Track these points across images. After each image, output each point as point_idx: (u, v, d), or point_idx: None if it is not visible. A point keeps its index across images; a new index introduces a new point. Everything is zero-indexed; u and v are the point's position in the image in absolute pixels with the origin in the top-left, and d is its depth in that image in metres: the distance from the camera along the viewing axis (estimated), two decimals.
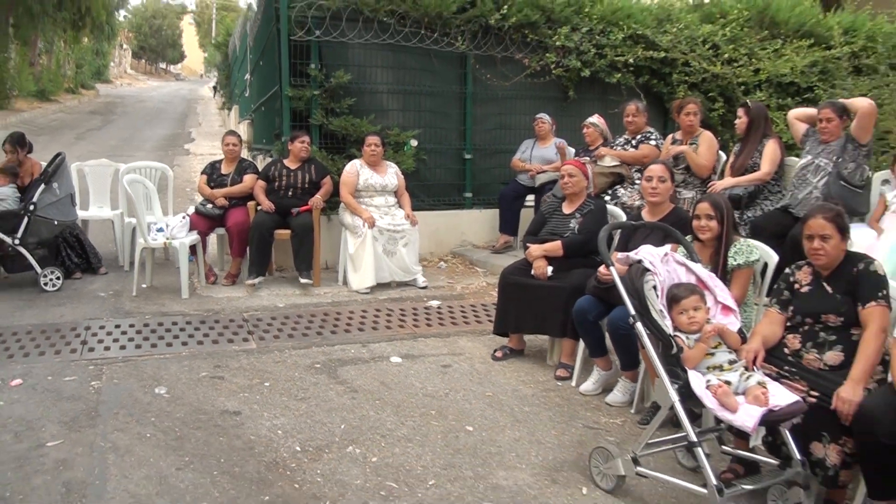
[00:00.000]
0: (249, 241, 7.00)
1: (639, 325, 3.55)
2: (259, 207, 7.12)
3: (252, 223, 7.01)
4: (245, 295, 6.87)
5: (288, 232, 7.06)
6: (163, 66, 72.08)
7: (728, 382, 3.35)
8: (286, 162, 7.35)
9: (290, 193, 7.21)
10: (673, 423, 3.82)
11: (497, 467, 3.92)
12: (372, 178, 7.25)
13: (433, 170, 8.69)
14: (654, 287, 3.58)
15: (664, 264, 3.73)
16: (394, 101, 8.45)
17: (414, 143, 8.27)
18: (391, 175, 7.39)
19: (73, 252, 7.30)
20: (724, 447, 3.85)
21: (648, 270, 3.61)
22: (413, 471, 3.85)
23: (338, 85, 7.86)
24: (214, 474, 3.74)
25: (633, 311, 3.58)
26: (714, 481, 3.16)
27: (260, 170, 7.59)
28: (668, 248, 3.90)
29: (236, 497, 3.54)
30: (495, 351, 5.59)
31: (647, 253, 3.71)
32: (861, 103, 5.59)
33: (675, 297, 3.61)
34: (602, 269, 4.53)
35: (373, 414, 4.51)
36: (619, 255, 3.82)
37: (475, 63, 8.61)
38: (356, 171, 7.24)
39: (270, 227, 7.01)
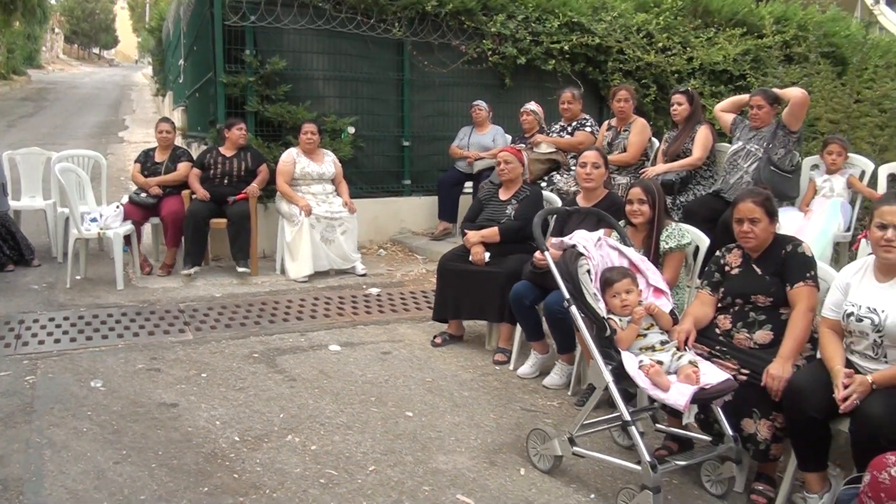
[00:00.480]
0: (185, 231, 6.90)
1: (573, 309, 3.61)
2: (194, 196, 7.02)
3: (187, 212, 6.91)
4: (181, 285, 6.77)
5: (224, 221, 6.97)
6: (96, 51, 69.88)
7: (660, 362, 3.43)
8: (221, 150, 7.25)
9: (225, 182, 7.12)
10: (609, 403, 3.89)
11: (437, 451, 3.95)
12: (309, 166, 7.20)
13: (371, 157, 8.67)
14: (588, 271, 3.64)
15: (597, 249, 3.80)
16: (330, 87, 8.40)
17: (351, 130, 8.24)
18: (328, 163, 7.35)
19: (4, 244, 7.08)
20: (658, 425, 3.96)
21: (582, 255, 3.67)
22: (353, 457, 3.86)
23: (273, 71, 7.78)
24: (153, 467, 3.69)
25: (567, 295, 3.64)
26: (648, 458, 3.24)
27: (195, 158, 7.47)
28: (601, 232, 3.97)
29: (175, 489, 3.50)
30: (435, 337, 5.62)
31: (580, 238, 3.77)
32: (794, 92, 5.74)
33: (607, 280, 3.68)
34: (537, 254, 4.58)
35: (312, 402, 4.50)
36: (554, 240, 3.87)
37: (412, 50, 8.61)
38: (292, 159, 7.18)
39: (206, 216, 6.92)
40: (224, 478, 3.61)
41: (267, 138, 7.88)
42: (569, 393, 4.77)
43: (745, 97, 6.17)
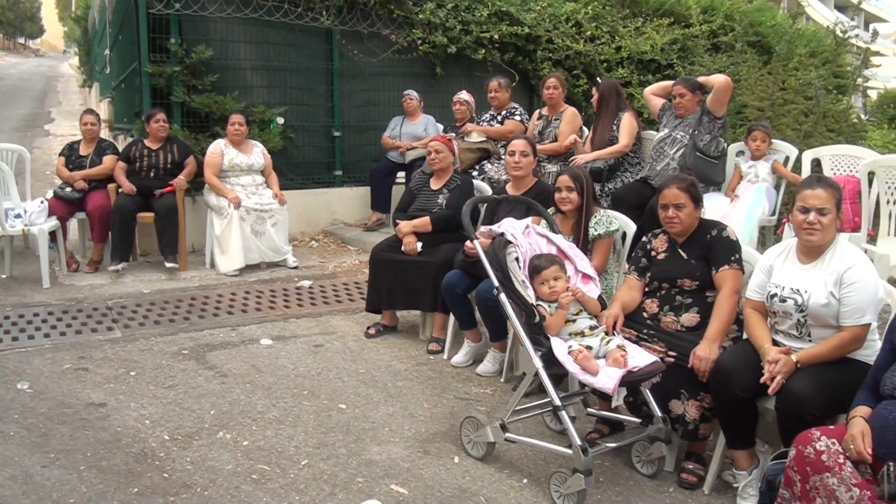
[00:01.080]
0: (111, 226, 6.71)
1: (502, 297, 3.63)
2: (120, 190, 6.83)
3: (113, 206, 6.73)
4: (109, 282, 6.59)
5: (151, 215, 6.81)
6: (21, 41, 67.39)
7: (589, 347, 3.47)
8: (147, 142, 7.07)
9: (151, 175, 6.95)
10: (541, 389, 3.92)
11: (370, 443, 3.93)
12: (237, 157, 7.07)
13: (301, 148, 8.57)
14: (517, 259, 3.66)
15: (526, 236, 3.82)
16: (258, 77, 8.26)
17: (280, 120, 8.13)
18: (257, 154, 7.24)
19: None
20: (589, 409, 4.02)
21: (511, 243, 3.69)
22: (285, 452, 3.81)
23: (199, 60, 7.62)
24: (81, 469, 3.58)
25: (496, 283, 3.66)
26: (578, 442, 3.28)
27: (121, 150, 7.27)
28: (529, 220, 4.00)
29: (105, 491, 3.41)
30: (368, 328, 5.59)
31: (508, 226, 3.78)
32: (717, 79, 5.85)
33: (536, 267, 3.70)
34: (468, 243, 4.59)
35: (243, 398, 4.43)
36: (483, 228, 3.88)
37: (342, 39, 8.52)
38: (220, 150, 7.05)
39: (132, 210, 6.75)
40: (154, 478, 3.53)
41: (194, 129, 7.71)
42: (502, 380, 4.81)
43: (666, 84, 6.27)
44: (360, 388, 4.63)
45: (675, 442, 3.73)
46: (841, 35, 8.95)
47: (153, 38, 7.52)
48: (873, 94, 15.41)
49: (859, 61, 9.46)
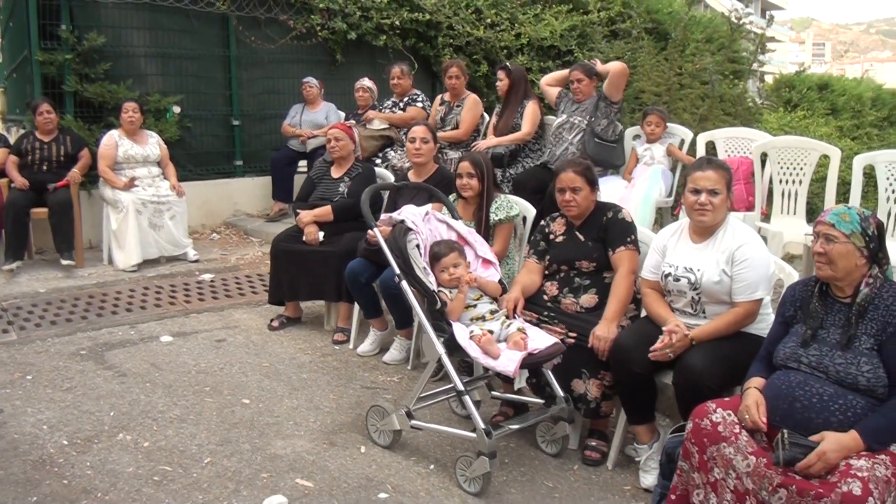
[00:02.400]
0: (3, 223, 6.40)
1: (404, 284, 3.62)
2: (12, 185, 6.50)
3: (5, 202, 6.40)
4: (2, 282, 6.28)
5: (45, 210, 6.51)
6: None
7: (490, 331, 3.48)
8: (38, 134, 6.74)
9: (44, 168, 6.65)
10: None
11: (275, 437, 3.87)
12: (132, 148, 6.83)
13: (200, 137, 8.36)
14: (418, 246, 3.66)
15: (426, 223, 3.81)
16: (153, 65, 8.01)
17: (176, 109, 7.91)
18: (153, 145, 7.01)
19: None
20: (493, 392, 4.04)
21: (411, 230, 3.67)
22: (187, 451, 3.71)
23: (91, 48, 7.34)
24: None
25: (397, 271, 3.64)
26: (482, 425, 3.30)
27: (12, 143, 6.92)
28: (429, 207, 3.99)
29: (2, 503, 3.25)
30: (271, 321, 5.50)
31: (409, 213, 3.77)
32: (614, 64, 5.94)
33: (435, 254, 3.70)
34: (370, 231, 4.55)
35: (143, 398, 4.29)
36: (383, 216, 3.86)
37: (238, 25, 8.33)
38: (114, 142, 6.79)
39: (25, 206, 6.44)
40: (53, 485, 3.39)
41: (87, 120, 7.42)
42: (409, 367, 4.80)
43: (566, 72, 6.34)
44: (264, 381, 4.55)
45: (578, 420, 3.80)
46: (735, 21, 9.22)
47: (43, 24, 7.21)
48: (770, 79, 16.04)
49: (755, 47, 9.77)
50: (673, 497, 2.86)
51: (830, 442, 2.54)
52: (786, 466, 2.54)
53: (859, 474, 2.42)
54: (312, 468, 3.58)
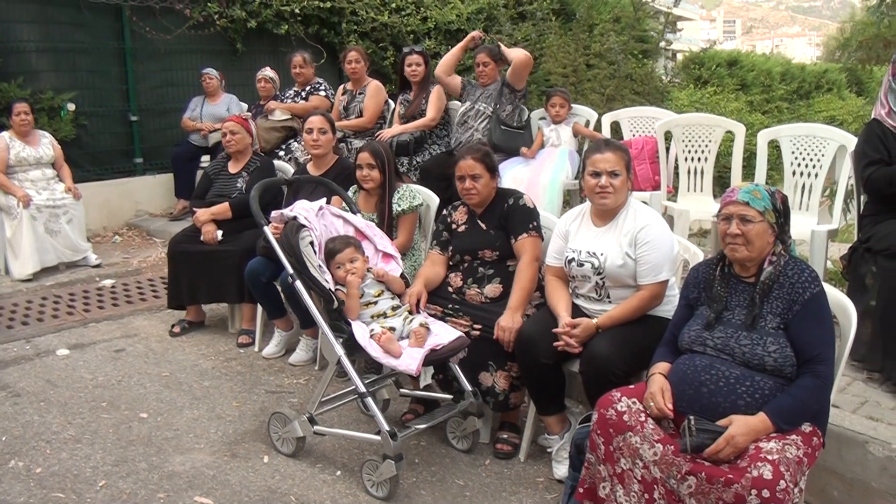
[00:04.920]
0: None
1: (298, 284, 3.45)
2: None
3: None
4: None
5: None
6: None
7: (392, 328, 3.36)
8: None
9: None
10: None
11: (173, 453, 3.66)
12: (24, 150, 6.45)
13: (97, 135, 7.99)
14: (311, 243, 3.48)
15: (320, 218, 3.65)
16: (44, 60, 7.59)
17: (71, 106, 7.52)
18: (45, 146, 6.62)
19: None
20: (402, 390, 3.93)
21: (304, 226, 3.49)
22: (82, 475, 3.47)
23: None
24: None
25: (290, 270, 3.47)
26: (386, 428, 3.17)
27: None
28: (322, 201, 3.82)
29: None
30: (173, 326, 5.25)
31: (300, 209, 3.59)
32: (517, 54, 5.79)
33: (331, 251, 3.55)
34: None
35: (37, 418, 4.02)
36: (274, 213, 3.66)
37: (132, 15, 7.94)
38: (5, 144, 6.39)
39: None
40: None
41: None
42: (316, 368, 4.64)
43: (456, 49, 6.18)
44: (164, 393, 4.32)
45: (488, 414, 3.71)
46: (639, 0, 9.27)
47: None
48: (681, 58, 16.26)
49: (662, 26, 9.86)
50: (581, 490, 2.78)
51: (738, 426, 2.49)
52: (694, 453, 2.48)
53: (769, 457, 2.37)
54: (212, 483, 3.40)
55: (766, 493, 2.28)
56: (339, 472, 3.48)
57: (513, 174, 5.48)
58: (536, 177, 5.61)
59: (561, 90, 5.93)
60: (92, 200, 7.08)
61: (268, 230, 3.65)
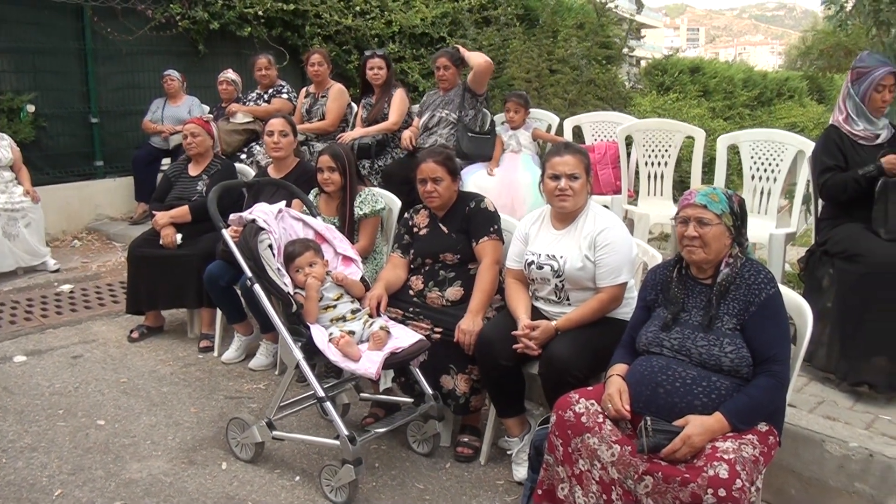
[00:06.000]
0: None
1: (257, 287, 3.41)
2: None
3: None
4: None
5: None
6: None
7: (352, 332, 3.34)
8: None
9: None
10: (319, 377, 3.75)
11: (131, 460, 3.60)
12: None
13: (56, 138, 7.85)
14: (270, 246, 3.45)
15: (279, 221, 3.62)
16: (3, 61, 7.46)
17: (31, 108, 7.41)
18: (4, 148, 6.48)
19: None
20: (362, 394, 3.90)
21: (263, 229, 3.46)
22: (37, 484, 3.40)
23: None
24: None
25: (249, 273, 3.43)
26: (345, 432, 3.15)
27: None
28: (282, 204, 3.78)
29: None
30: (131, 332, 5.17)
31: (260, 212, 3.55)
32: (478, 60, 5.74)
33: (290, 254, 3.52)
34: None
35: None
36: (232, 216, 3.62)
37: (93, 15, 7.82)
38: None
39: None
40: None
41: None
42: (276, 373, 4.59)
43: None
44: (121, 399, 4.25)
45: (449, 417, 3.70)
46: (601, 5, 9.33)
47: None
48: (645, 64, 16.44)
49: (625, 32, 9.94)
50: (540, 492, 2.79)
51: (695, 425, 2.50)
52: (651, 453, 2.49)
53: (725, 457, 2.38)
54: (170, 491, 3.35)
55: (722, 493, 2.29)
56: (298, 478, 3.44)
57: (475, 180, 5.46)
58: (513, 177, 5.55)
59: (516, 95, 5.87)
60: (51, 204, 6.95)
61: (226, 233, 3.61)
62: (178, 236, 4.90)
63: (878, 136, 3.89)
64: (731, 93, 16.16)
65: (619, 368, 2.83)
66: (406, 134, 5.91)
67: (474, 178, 5.48)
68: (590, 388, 2.85)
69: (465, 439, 3.65)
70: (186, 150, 5.16)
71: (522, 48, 8.36)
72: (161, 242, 4.92)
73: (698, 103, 13.72)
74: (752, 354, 2.63)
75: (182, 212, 4.95)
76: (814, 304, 3.01)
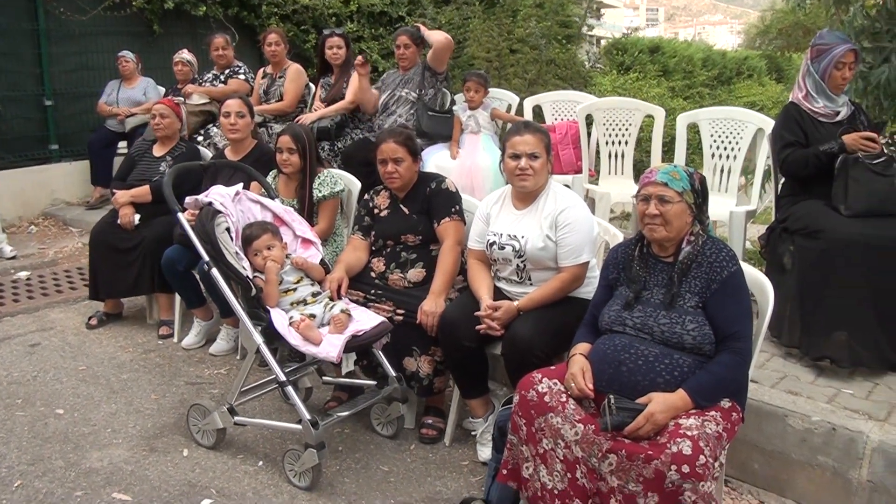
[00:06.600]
0: None
1: (214, 271, 3.36)
2: None
3: None
4: None
5: None
6: None
7: (312, 316, 3.30)
8: None
9: None
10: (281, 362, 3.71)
11: (91, 449, 3.55)
12: None
13: (9, 121, 7.62)
14: (228, 229, 3.39)
15: (236, 204, 3.56)
16: None
17: None
18: None
19: None
20: (325, 378, 3.88)
21: (219, 212, 3.40)
22: None
23: None
24: None
25: (206, 258, 3.38)
26: (307, 416, 3.12)
27: None
28: (239, 186, 3.72)
29: None
30: (89, 318, 5.07)
31: (216, 194, 3.49)
32: (437, 37, 5.69)
33: (247, 237, 3.47)
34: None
35: None
36: (188, 199, 3.55)
37: None
38: None
39: None
40: None
41: None
42: (237, 357, 4.54)
43: (357, 81, 5.80)
44: (81, 387, 4.18)
45: (413, 399, 3.70)
46: None
47: None
48: (605, 43, 16.45)
49: (584, 10, 9.92)
50: (504, 472, 2.78)
51: (657, 403, 2.51)
52: (614, 431, 2.49)
53: (689, 433, 2.39)
54: (131, 479, 3.30)
55: (685, 468, 2.30)
56: (261, 463, 3.42)
57: (436, 161, 5.42)
58: (472, 161, 5.52)
59: (476, 74, 5.81)
60: (6, 189, 6.85)
61: (182, 217, 3.54)
62: (137, 217, 4.80)
63: (837, 113, 3.93)
64: (690, 72, 16.22)
65: (582, 347, 2.83)
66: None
67: (435, 159, 5.44)
68: (553, 367, 2.85)
69: (430, 421, 3.65)
70: (154, 131, 5.06)
71: (482, 27, 8.31)
72: (118, 221, 4.82)
73: (658, 83, 13.75)
74: (714, 332, 2.64)
75: (143, 191, 4.85)
76: (775, 280, 3.04)
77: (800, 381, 3.49)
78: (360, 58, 5.60)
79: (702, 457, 2.33)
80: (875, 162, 3.70)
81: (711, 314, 2.66)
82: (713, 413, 2.54)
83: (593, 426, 2.54)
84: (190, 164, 4.38)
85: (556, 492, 2.57)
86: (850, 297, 3.49)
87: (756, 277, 2.93)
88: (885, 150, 3.92)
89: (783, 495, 3.19)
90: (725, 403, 2.61)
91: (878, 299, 3.49)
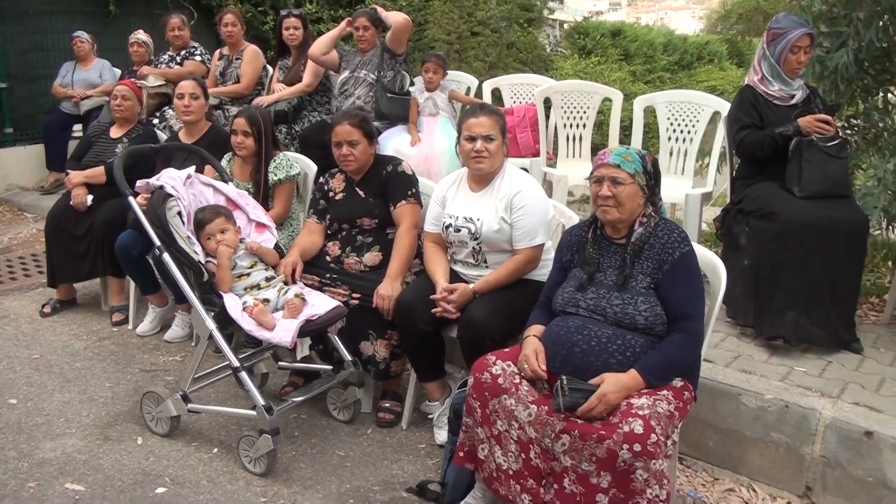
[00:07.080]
0: None
1: (166, 256, 3.31)
2: None
3: None
4: None
5: None
6: None
7: (266, 300, 3.28)
8: None
9: None
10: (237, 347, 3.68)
11: (44, 439, 3.48)
12: None
13: None
14: (179, 213, 3.35)
15: (188, 188, 3.50)
16: None
17: None
18: None
19: None
20: (280, 363, 3.85)
21: (171, 196, 3.35)
22: None
23: None
24: None
25: (157, 242, 3.32)
26: (261, 402, 3.10)
27: None
28: (191, 169, 3.66)
29: None
30: (43, 306, 4.97)
31: (168, 178, 3.44)
32: (396, 17, 5.64)
33: (200, 221, 3.42)
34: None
35: None
36: (139, 182, 3.49)
37: None
38: None
39: None
40: None
41: None
42: (193, 343, 4.48)
43: (332, 34, 5.83)
44: (34, 376, 4.10)
45: (370, 383, 3.69)
46: None
47: None
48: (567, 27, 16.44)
49: None
50: (461, 454, 2.79)
51: (610, 383, 2.52)
52: (567, 412, 2.51)
53: (640, 413, 2.41)
54: (84, 469, 3.26)
55: (637, 447, 2.33)
56: (216, 450, 3.39)
57: (394, 145, 5.37)
58: (430, 146, 5.48)
59: (435, 55, 5.75)
60: None
61: (132, 201, 3.48)
62: (89, 198, 4.70)
63: (792, 96, 3.97)
64: (651, 56, 16.28)
65: (536, 329, 2.84)
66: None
67: (394, 143, 5.39)
68: (507, 349, 2.86)
69: (387, 405, 3.65)
70: (113, 112, 4.97)
71: (443, 9, 8.25)
72: (71, 202, 4.73)
73: (619, 67, 13.80)
74: (666, 312, 2.66)
75: (97, 172, 4.75)
76: (731, 262, 3.08)
77: (753, 359, 3.54)
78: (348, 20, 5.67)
79: (653, 435, 2.35)
80: (829, 144, 3.74)
81: (663, 295, 2.68)
82: (665, 392, 2.57)
83: (546, 407, 2.56)
84: (142, 147, 4.29)
85: (510, 472, 2.59)
86: (804, 278, 3.54)
87: (708, 258, 2.96)
88: (840, 133, 3.97)
89: (737, 472, 3.24)
90: (677, 383, 2.64)
91: (830, 279, 3.55)
